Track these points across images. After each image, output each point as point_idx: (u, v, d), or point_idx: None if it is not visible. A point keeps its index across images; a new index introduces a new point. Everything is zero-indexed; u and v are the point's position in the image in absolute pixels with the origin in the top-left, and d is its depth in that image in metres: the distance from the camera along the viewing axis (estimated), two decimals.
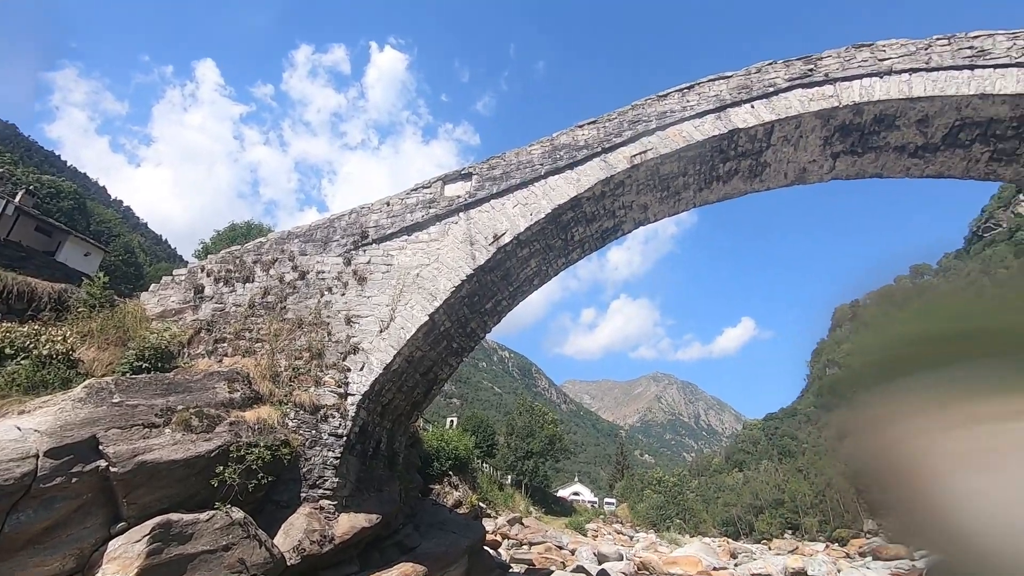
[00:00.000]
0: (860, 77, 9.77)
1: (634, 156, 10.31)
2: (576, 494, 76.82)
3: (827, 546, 40.12)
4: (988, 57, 9.20)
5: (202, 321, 10.66)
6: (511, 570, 15.75)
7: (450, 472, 22.68)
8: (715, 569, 20.25)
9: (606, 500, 75.90)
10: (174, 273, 11.57)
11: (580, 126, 10.79)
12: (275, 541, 8.38)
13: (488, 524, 24.83)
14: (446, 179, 11.21)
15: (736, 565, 23.20)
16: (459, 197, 10.92)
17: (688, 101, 10.39)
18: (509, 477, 48.77)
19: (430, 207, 10.99)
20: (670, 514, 51.48)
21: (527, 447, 49.80)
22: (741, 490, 73.78)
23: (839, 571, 19.45)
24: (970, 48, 9.38)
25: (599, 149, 10.48)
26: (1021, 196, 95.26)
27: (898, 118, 9.89)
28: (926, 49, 9.64)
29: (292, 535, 8.63)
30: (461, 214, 10.80)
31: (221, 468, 7.97)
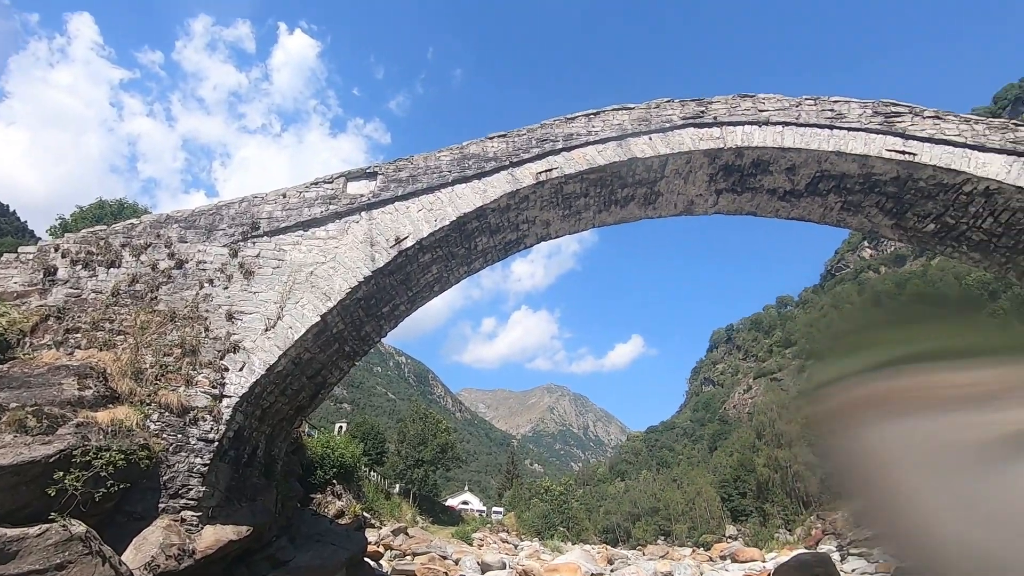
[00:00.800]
0: (743, 124, 10.83)
1: (540, 173, 10.63)
2: (465, 503, 76.68)
3: (693, 551, 43.19)
4: (844, 120, 10.60)
5: (51, 307, 9.39)
6: None
7: (334, 480, 21.68)
8: (592, 575, 21.06)
9: (494, 509, 76.40)
10: (20, 251, 10.11)
11: (490, 138, 10.94)
12: (124, 557, 7.52)
13: (372, 535, 23.99)
14: (350, 176, 10.84)
15: (612, 571, 24.30)
16: (362, 196, 10.60)
17: (593, 126, 10.92)
18: (397, 486, 47.64)
19: (331, 203, 10.56)
20: (555, 522, 52.83)
21: (418, 455, 48.99)
22: (622, 499, 77.64)
23: (702, 574, 21.04)
24: (831, 110, 10.75)
25: (507, 163, 10.68)
26: (866, 243, 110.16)
27: (771, 164, 11.08)
28: (797, 106, 10.90)
29: (144, 550, 7.80)
30: (363, 213, 10.49)
31: (61, 474, 7.02)
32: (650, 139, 10.81)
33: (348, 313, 10.55)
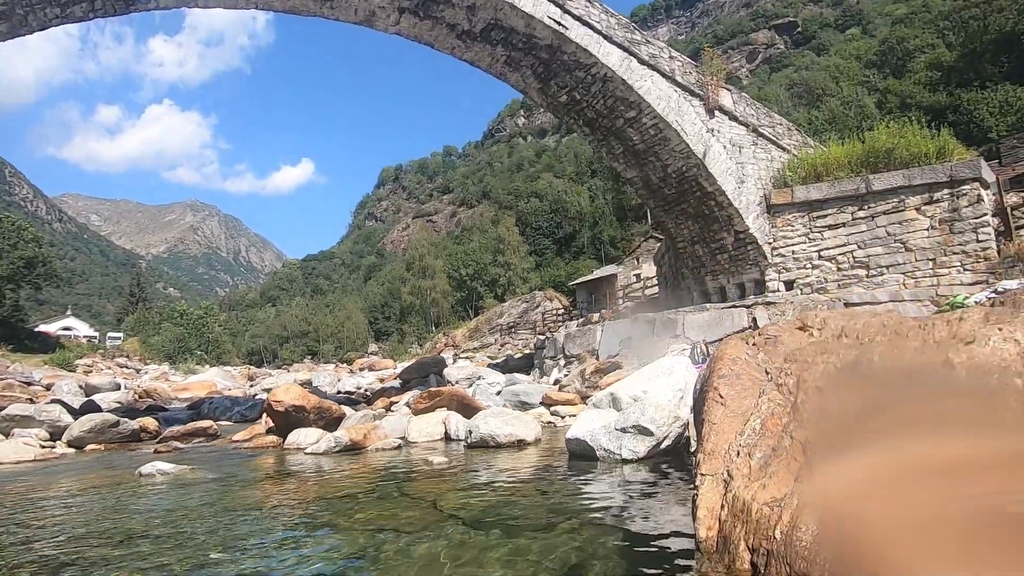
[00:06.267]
0: None
1: None
2: (68, 329, 64.01)
3: (336, 365, 47.23)
4: None
5: None
6: None
7: None
8: (229, 390, 20.92)
9: (110, 335, 66.14)
10: None
11: None
12: None
13: None
14: None
15: (252, 386, 24.65)
16: None
17: None
18: None
19: None
20: (191, 346, 49.30)
21: None
22: (271, 323, 77.14)
23: (339, 380, 23.33)
24: None
25: None
26: (522, 111, 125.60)
27: None
28: None
29: None
30: None
31: None
32: None
33: None
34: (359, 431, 6.38)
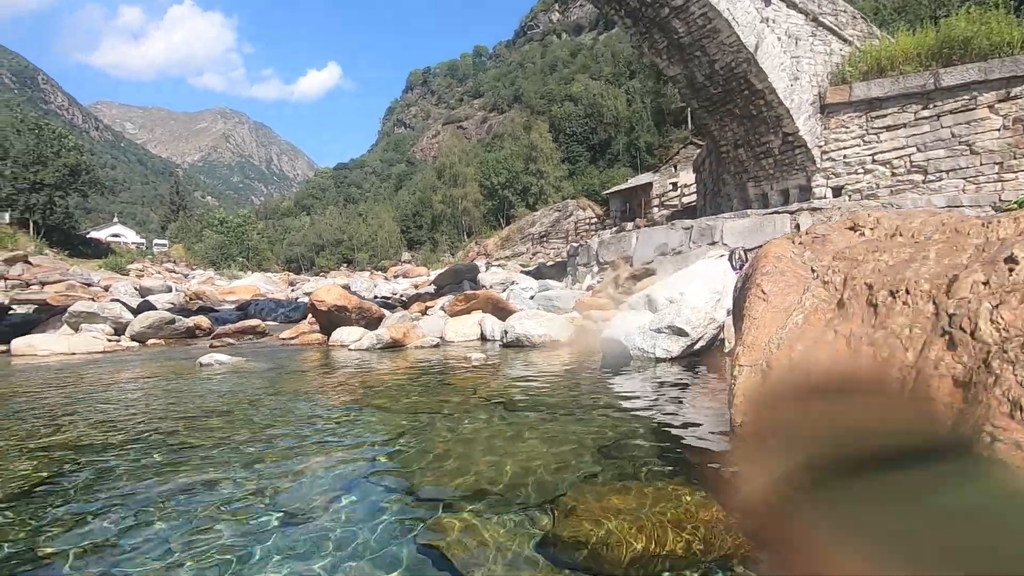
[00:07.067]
0: None
1: None
2: (116, 235, 66.82)
3: (371, 273, 48.48)
4: None
5: None
6: (12, 311, 12.97)
7: None
8: (271, 293, 21.86)
9: (156, 242, 68.86)
10: None
11: None
12: None
13: None
14: None
15: (293, 290, 25.67)
16: None
17: None
18: (8, 214, 37.80)
19: None
20: (232, 253, 51.06)
21: (34, 177, 38.50)
22: (307, 232, 78.62)
23: (376, 285, 24.05)
24: None
25: None
26: (556, 5, 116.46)
27: None
28: None
29: None
30: None
31: None
32: None
33: None
34: (399, 330, 6.64)
